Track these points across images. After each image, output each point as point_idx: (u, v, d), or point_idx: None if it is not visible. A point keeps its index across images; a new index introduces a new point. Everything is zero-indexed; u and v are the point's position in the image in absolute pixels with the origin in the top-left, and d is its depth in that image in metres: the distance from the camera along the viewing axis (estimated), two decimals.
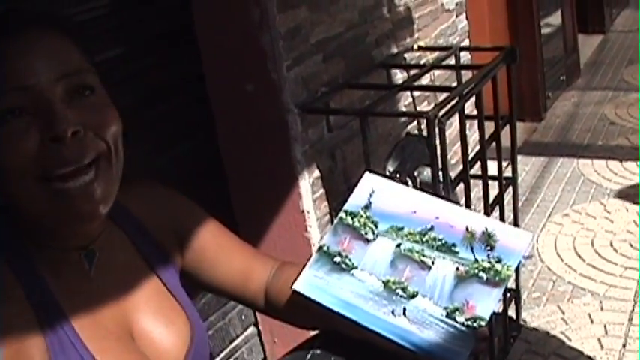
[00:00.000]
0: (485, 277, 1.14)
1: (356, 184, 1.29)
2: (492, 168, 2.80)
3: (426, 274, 1.17)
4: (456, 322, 1.12)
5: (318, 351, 1.19)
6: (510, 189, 3.04)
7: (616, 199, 4.21)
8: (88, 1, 2.09)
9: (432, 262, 1.17)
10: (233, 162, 2.58)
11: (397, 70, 3.10)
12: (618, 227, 3.88)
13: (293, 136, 2.44)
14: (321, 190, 2.60)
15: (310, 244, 2.54)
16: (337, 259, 1.22)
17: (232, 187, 2.61)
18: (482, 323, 1.11)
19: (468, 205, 2.58)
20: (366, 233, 1.23)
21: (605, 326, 3.11)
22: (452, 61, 3.21)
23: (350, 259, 1.22)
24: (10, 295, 1.04)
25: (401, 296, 1.16)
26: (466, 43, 3.87)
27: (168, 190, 1.37)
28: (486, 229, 1.18)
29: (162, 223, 1.31)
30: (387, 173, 2.63)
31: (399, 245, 1.20)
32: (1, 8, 1.09)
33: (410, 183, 2.64)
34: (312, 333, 1.30)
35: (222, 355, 2.61)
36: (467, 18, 3.90)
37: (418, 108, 3.27)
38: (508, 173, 3.02)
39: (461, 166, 2.64)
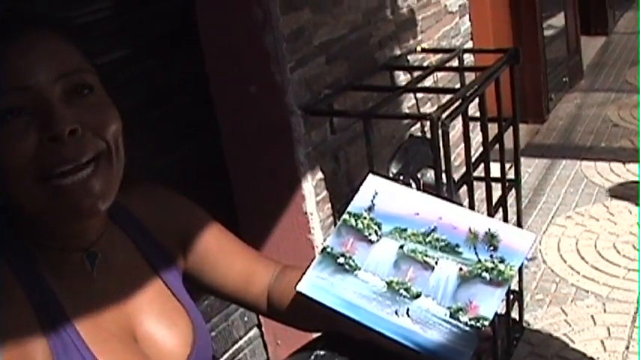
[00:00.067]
0: (488, 278, 1.14)
1: (359, 186, 1.29)
2: (495, 170, 2.80)
3: (429, 275, 1.17)
4: (460, 322, 1.12)
5: (322, 352, 1.19)
6: (513, 191, 3.05)
7: (619, 200, 4.20)
8: (92, 3, 2.10)
9: (436, 263, 1.18)
10: (236, 163, 2.58)
11: (400, 72, 3.10)
12: (621, 229, 3.88)
13: (296, 138, 2.45)
14: (325, 192, 2.60)
15: (313, 246, 2.54)
16: (341, 260, 1.22)
17: (235, 188, 2.61)
18: (486, 323, 1.11)
19: (471, 207, 2.58)
20: (369, 234, 1.23)
21: (608, 328, 3.11)
22: (455, 62, 3.21)
23: (353, 260, 1.22)
24: (10, 296, 1.03)
25: (404, 297, 1.16)
26: (469, 44, 3.87)
27: (170, 191, 1.37)
28: (489, 229, 1.18)
29: (165, 224, 1.31)
30: (391, 175, 2.63)
31: (402, 246, 1.20)
32: (1, 9, 1.09)
33: (413, 185, 2.64)
34: (315, 335, 1.30)
35: (225, 357, 2.61)
36: (470, 20, 3.90)
37: (421, 110, 3.27)
38: (511, 175, 3.02)
39: (464, 168, 2.64)
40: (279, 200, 2.54)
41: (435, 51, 3.35)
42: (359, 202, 1.27)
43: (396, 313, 1.14)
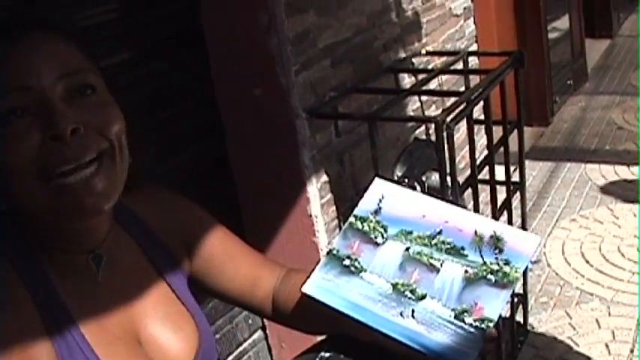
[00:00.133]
0: (493, 280, 1.14)
1: (365, 190, 1.30)
2: (500, 173, 2.80)
3: (434, 277, 1.17)
4: (464, 323, 1.12)
5: (327, 354, 1.19)
6: (518, 194, 3.04)
7: (624, 203, 4.20)
8: (98, 6, 2.10)
9: (441, 265, 1.18)
10: (241, 166, 2.58)
11: (405, 75, 3.11)
12: (626, 232, 3.87)
13: (301, 141, 2.45)
14: (329, 195, 2.60)
15: (318, 249, 2.54)
16: (346, 262, 1.23)
17: (240, 191, 2.62)
18: (490, 324, 1.11)
19: (475, 210, 2.58)
20: (375, 237, 1.24)
21: (612, 332, 3.10)
22: (460, 65, 3.21)
23: (359, 262, 1.22)
24: (15, 297, 1.03)
25: (409, 298, 1.16)
26: (474, 47, 3.87)
27: (175, 194, 1.37)
28: (495, 232, 1.18)
29: (170, 227, 1.31)
30: (395, 178, 2.63)
31: (407, 248, 1.21)
32: (4, 11, 1.10)
33: (418, 188, 2.64)
34: (320, 338, 1.30)
35: (229, 359, 2.61)
36: (475, 22, 3.90)
37: (426, 113, 3.27)
38: (516, 178, 3.02)
39: (469, 171, 2.64)
40: (283, 203, 2.54)
41: (439, 54, 3.36)
42: (365, 206, 1.28)
43: (401, 314, 1.15)
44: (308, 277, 1.24)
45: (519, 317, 3.12)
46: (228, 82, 2.47)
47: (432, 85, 3.11)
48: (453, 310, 1.14)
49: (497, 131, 2.77)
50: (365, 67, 2.82)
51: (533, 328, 3.19)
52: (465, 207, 2.40)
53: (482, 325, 1.11)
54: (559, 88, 5.97)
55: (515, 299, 3.02)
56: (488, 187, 2.76)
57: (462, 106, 2.44)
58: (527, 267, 1.33)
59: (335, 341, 1.23)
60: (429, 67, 3.27)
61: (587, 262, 3.65)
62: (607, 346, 3.02)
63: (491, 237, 1.18)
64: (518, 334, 3.08)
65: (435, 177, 2.63)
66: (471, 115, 2.49)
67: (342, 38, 2.67)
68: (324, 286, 1.22)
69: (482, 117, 2.71)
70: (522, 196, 3.07)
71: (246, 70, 2.42)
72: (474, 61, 3.56)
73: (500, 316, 1.14)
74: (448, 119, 2.30)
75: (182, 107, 2.39)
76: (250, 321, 2.70)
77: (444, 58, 3.34)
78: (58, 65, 1.04)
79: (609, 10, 7.93)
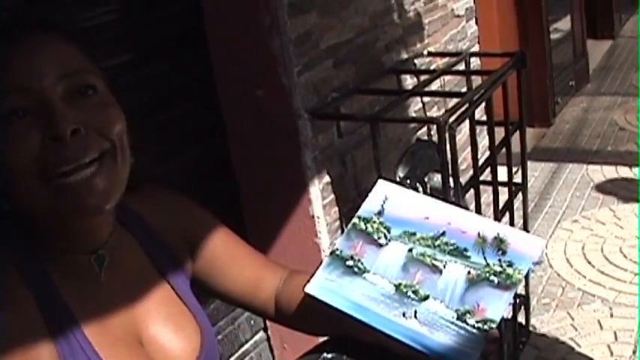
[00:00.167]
0: (496, 281, 1.14)
1: (369, 191, 1.30)
2: (502, 174, 2.80)
3: (437, 278, 1.17)
4: (467, 324, 1.12)
5: (329, 355, 1.19)
6: (520, 195, 3.04)
7: (626, 204, 4.20)
8: (99, 7, 2.10)
9: (444, 266, 1.18)
10: (243, 167, 2.58)
11: (407, 76, 3.11)
12: (628, 233, 3.87)
13: (303, 142, 2.45)
14: (332, 196, 2.60)
15: (320, 250, 2.54)
16: (350, 262, 1.23)
17: (242, 192, 2.62)
18: (493, 326, 1.11)
19: (477, 211, 2.58)
20: (378, 238, 1.24)
21: (615, 333, 3.10)
22: (462, 66, 3.21)
23: (362, 263, 1.22)
24: (17, 297, 1.03)
25: (412, 299, 1.16)
26: (476, 48, 3.87)
27: (178, 195, 1.37)
28: (498, 234, 1.18)
29: (172, 228, 1.31)
30: (398, 179, 2.63)
31: (411, 250, 1.21)
32: (5, 13, 1.10)
33: (420, 188, 2.64)
34: (322, 339, 1.30)
35: None
36: (477, 23, 3.90)
37: (428, 113, 3.27)
38: (518, 179, 3.02)
39: (471, 172, 2.64)
40: (285, 204, 2.54)
41: (441, 55, 3.35)
42: (369, 207, 1.28)
43: (404, 315, 1.15)
44: (311, 277, 1.24)
45: (521, 318, 3.12)
46: (230, 82, 2.47)
47: (434, 86, 3.11)
48: (455, 311, 1.14)
49: (500, 132, 2.77)
50: (367, 68, 2.82)
51: (535, 329, 3.20)
52: (467, 208, 2.40)
53: (485, 326, 1.11)
54: (561, 88, 5.97)
55: (518, 300, 3.02)
56: (490, 188, 2.76)
57: (464, 107, 2.44)
58: (529, 269, 1.33)
59: (337, 342, 1.23)
60: (431, 67, 3.27)
61: (589, 263, 3.65)
62: (609, 347, 3.02)
63: (495, 239, 1.18)
64: (520, 335, 3.08)
65: (437, 178, 2.63)
66: (473, 116, 2.49)
67: (344, 39, 2.67)
68: (327, 286, 1.22)
69: (484, 118, 2.71)
70: (524, 197, 3.07)
71: (248, 70, 2.42)
72: (476, 62, 3.56)
73: (502, 318, 1.14)
74: (450, 120, 2.31)
75: (184, 108, 2.39)
76: (252, 322, 2.70)
77: (446, 59, 3.34)
78: (59, 66, 1.05)
79: (611, 10, 7.93)
